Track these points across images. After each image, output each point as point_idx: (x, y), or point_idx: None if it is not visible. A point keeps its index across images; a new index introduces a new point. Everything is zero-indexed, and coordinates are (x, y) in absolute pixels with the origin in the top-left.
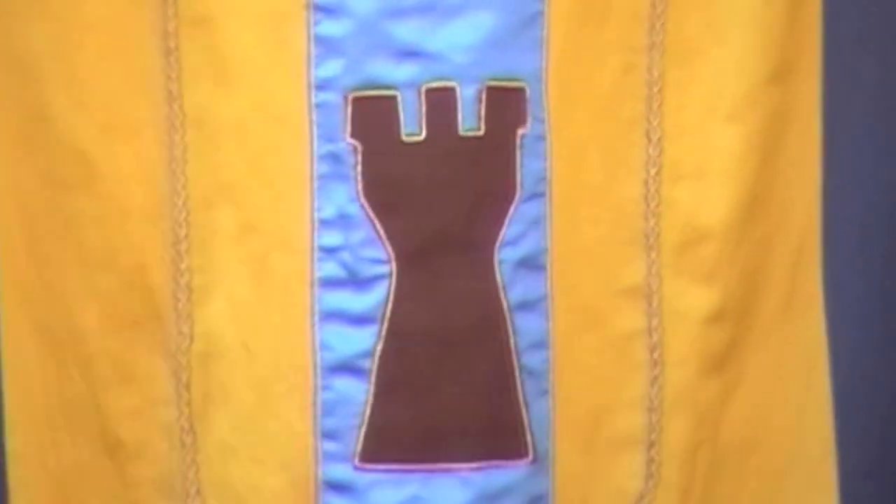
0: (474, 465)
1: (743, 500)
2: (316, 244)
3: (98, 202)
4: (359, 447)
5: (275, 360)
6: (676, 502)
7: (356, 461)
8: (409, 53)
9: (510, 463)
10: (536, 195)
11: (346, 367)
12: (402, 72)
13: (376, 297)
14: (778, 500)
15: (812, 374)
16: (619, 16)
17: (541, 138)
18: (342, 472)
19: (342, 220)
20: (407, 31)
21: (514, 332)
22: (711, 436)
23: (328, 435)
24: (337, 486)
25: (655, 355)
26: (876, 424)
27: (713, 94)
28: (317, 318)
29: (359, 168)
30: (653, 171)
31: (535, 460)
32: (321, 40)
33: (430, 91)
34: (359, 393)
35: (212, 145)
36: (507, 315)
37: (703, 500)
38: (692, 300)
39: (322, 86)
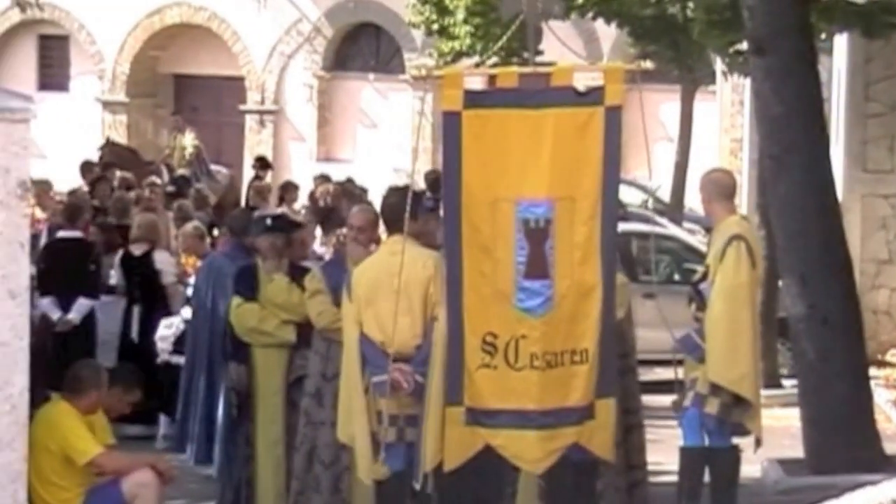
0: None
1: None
2: (517, 245)
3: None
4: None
5: (507, 271)
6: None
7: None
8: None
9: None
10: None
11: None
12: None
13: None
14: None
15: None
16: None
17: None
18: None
19: (519, 242)
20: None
21: None
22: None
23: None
24: (521, 288)
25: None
26: None
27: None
28: (515, 272)
29: (521, 236)
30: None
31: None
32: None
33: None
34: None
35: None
36: None
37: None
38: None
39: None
